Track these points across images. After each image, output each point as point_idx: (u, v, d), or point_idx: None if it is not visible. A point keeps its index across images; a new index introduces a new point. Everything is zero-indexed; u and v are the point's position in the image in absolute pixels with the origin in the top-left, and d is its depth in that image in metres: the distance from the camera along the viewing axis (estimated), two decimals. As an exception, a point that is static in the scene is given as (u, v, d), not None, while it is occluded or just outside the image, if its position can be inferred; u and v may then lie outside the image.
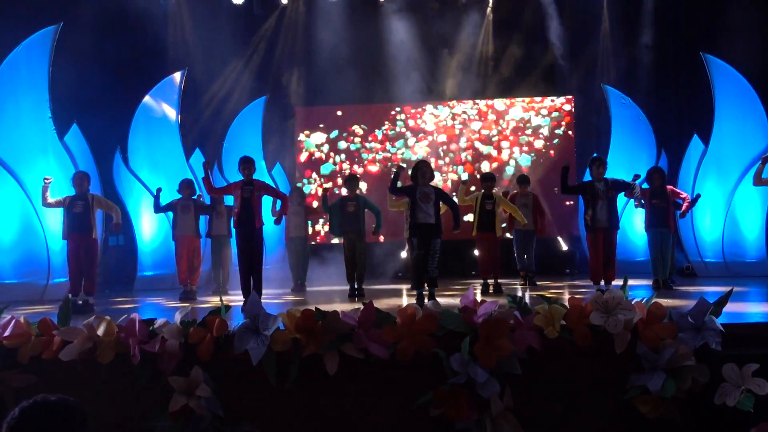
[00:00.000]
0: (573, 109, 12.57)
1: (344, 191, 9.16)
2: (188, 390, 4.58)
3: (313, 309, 4.76)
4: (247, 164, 7.49)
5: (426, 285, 7.03)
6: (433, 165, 9.47)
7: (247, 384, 4.74)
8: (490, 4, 12.41)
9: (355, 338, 4.65)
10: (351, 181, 8.95)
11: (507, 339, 4.54)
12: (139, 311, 6.98)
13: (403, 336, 4.62)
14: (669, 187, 8.88)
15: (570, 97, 12.54)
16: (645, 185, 8.80)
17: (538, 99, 12.60)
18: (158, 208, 9.01)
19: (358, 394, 4.72)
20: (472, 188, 9.44)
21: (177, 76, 10.96)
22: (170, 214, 9.10)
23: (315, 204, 10.72)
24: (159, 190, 9.02)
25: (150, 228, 10.57)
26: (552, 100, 12.59)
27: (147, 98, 10.73)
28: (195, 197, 9.12)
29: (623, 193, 8.15)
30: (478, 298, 5.20)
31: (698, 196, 9.37)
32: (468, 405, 4.39)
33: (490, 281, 8.76)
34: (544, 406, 4.65)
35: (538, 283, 9.65)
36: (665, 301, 5.10)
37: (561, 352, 4.66)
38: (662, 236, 8.50)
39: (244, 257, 7.36)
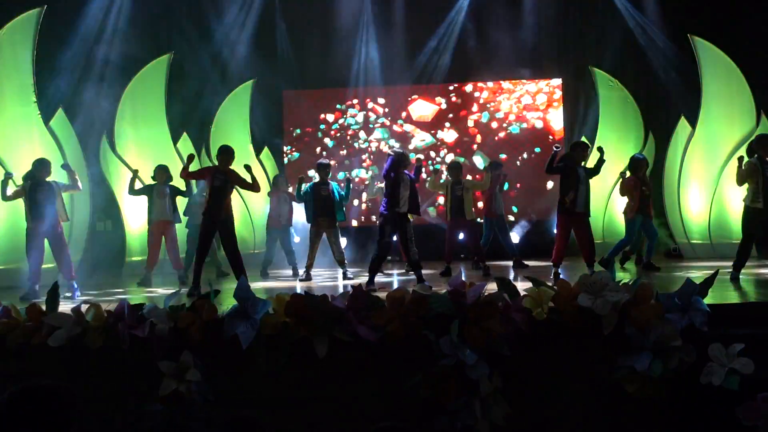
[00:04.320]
0: (562, 92, 12.55)
1: (316, 177, 9.13)
2: (178, 374, 4.58)
3: (303, 293, 4.77)
4: (225, 154, 7.47)
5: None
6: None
7: (237, 368, 4.75)
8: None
9: (344, 322, 4.66)
10: (324, 167, 9.01)
11: (496, 321, 4.57)
12: (128, 297, 6.98)
13: (392, 319, 4.64)
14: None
15: (559, 79, 12.51)
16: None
17: (525, 82, 12.57)
18: (132, 191, 8.98)
19: (347, 376, 4.75)
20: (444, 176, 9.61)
21: (164, 59, 10.85)
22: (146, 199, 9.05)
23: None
24: (136, 171, 9.01)
25: (138, 213, 10.50)
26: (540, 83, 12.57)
27: (133, 82, 10.64)
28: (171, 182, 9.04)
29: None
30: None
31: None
32: (457, 386, 4.43)
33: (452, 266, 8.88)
34: (533, 387, 4.69)
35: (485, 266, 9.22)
36: (652, 283, 5.15)
37: (549, 333, 4.70)
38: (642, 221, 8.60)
39: (203, 245, 7.34)
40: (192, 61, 11.50)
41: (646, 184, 8.72)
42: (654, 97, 11.65)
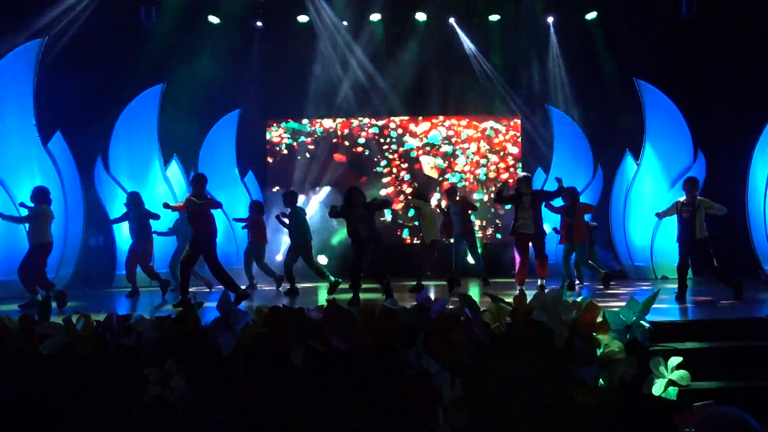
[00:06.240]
0: (520, 127, 12.72)
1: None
2: (162, 381, 4.50)
3: (281, 306, 4.73)
4: (199, 181, 7.58)
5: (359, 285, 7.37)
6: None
7: (218, 375, 4.68)
8: (457, 28, 12.49)
9: (319, 333, 4.63)
10: (290, 196, 9.15)
11: (458, 334, 4.57)
12: (117, 307, 6.86)
13: (363, 331, 4.62)
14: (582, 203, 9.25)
15: (518, 116, 12.69)
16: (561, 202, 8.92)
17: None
18: (113, 221, 9.34)
19: (322, 384, 4.70)
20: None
21: (156, 89, 10.76)
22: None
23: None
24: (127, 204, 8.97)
25: (128, 230, 10.35)
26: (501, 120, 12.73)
27: (127, 109, 10.54)
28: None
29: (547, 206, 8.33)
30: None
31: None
32: (422, 394, 4.41)
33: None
34: (491, 395, 4.69)
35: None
36: (600, 301, 5.19)
37: (507, 346, 4.72)
38: (569, 248, 8.84)
39: (192, 258, 7.40)
40: (183, 91, 11.42)
41: (569, 214, 8.81)
42: (603, 133, 11.85)
